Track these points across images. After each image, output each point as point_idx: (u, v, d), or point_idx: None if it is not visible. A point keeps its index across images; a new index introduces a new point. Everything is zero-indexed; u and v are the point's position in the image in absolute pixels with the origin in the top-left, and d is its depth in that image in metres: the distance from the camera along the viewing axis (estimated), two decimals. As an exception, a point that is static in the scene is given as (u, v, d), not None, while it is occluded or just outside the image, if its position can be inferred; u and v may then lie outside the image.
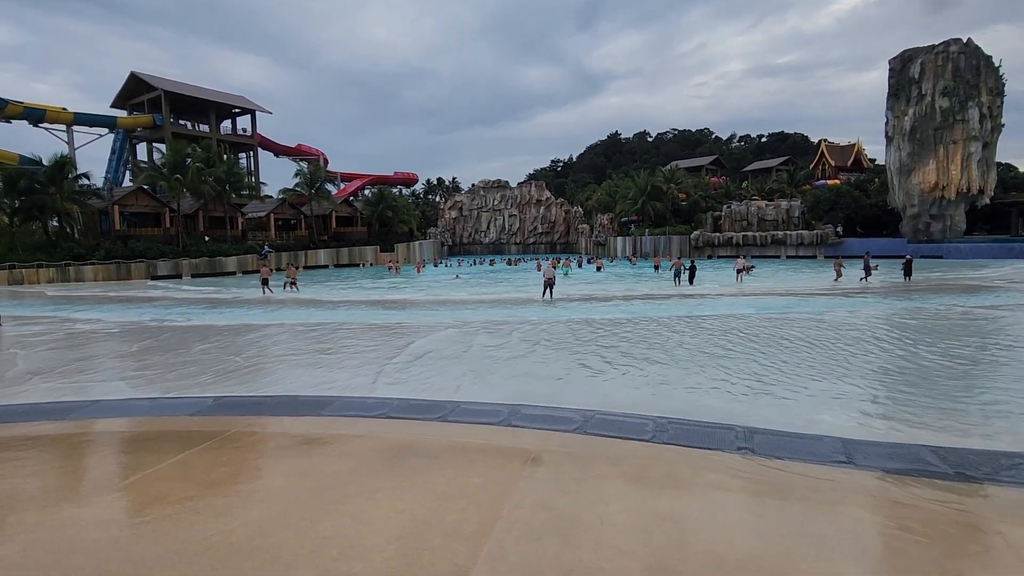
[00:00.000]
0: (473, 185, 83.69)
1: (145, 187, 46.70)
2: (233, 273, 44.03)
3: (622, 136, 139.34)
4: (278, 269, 37.79)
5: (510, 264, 53.87)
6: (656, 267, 35.96)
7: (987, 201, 46.24)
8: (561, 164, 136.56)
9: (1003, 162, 52.88)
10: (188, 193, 46.67)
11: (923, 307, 16.46)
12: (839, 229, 51.39)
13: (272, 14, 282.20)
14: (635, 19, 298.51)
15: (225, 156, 53.41)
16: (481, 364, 9.41)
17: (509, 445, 5.03)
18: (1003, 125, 45.12)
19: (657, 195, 60.33)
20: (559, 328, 13.25)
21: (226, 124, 69.97)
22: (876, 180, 57.32)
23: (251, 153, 70.00)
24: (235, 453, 4.86)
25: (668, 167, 74.79)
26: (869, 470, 4.36)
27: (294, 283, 27.34)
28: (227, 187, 48.30)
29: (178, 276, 41.64)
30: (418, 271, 46.54)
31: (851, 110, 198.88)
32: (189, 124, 66.02)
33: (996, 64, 44.43)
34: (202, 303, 23.06)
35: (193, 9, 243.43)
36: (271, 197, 60.97)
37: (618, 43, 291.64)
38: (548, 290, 20.80)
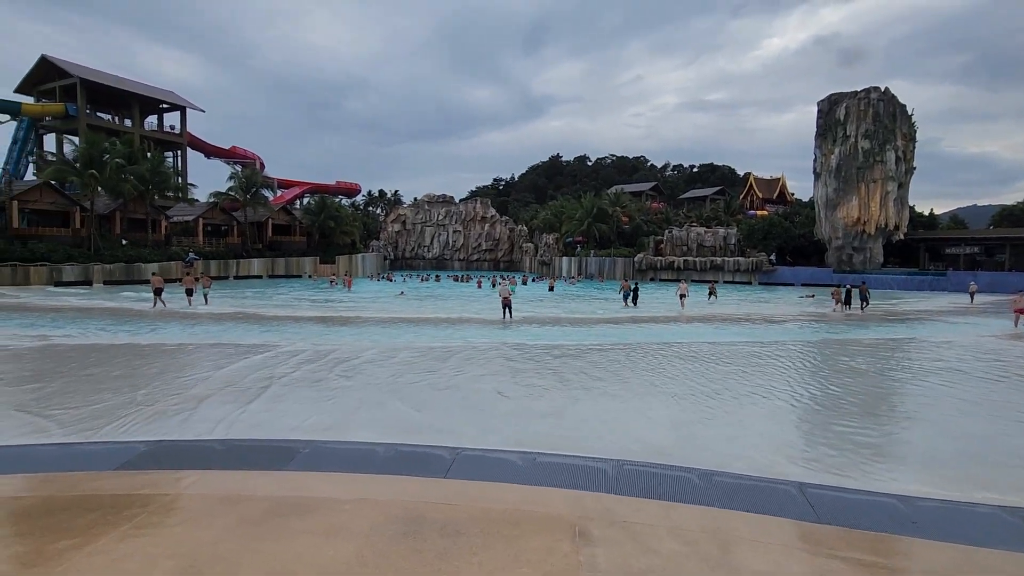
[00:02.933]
0: (416, 199, 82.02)
1: (52, 182, 41.90)
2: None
3: (563, 159, 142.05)
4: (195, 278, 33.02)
5: (457, 280, 52.69)
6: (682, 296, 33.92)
7: (901, 237, 50.16)
8: (503, 183, 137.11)
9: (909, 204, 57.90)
10: (104, 191, 42.38)
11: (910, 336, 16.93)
12: (772, 257, 54.02)
13: (203, 8, 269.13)
14: (577, 48, 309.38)
15: (150, 153, 49.12)
16: (467, 398, 8.37)
17: (541, 511, 4.10)
18: (915, 168, 49.32)
19: (603, 217, 61.28)
20: (537, 354, 12.40)
21: (151, 120, 64.79)
22: (800, 213, 61.03)
23: (179, 152, 65.12)
24: (183, 533, 3.63)
25: (613, 190, 76.50)
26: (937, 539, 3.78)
27: (191, 293, 24.57)
28: (150, 187, 44.32)
29: (88, 283, 37.38)
30: (348, 287, 39.45)
31: (770, 147, 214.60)
32: (109, 117, 60.58)
33: (909, 112, 48.66)
34: (118, 316, 20.46)
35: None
36: (199, 201, 56.73)
37: (561, 69, 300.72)
38: (507, 310, 19.98)
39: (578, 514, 4.02)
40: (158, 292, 23.35)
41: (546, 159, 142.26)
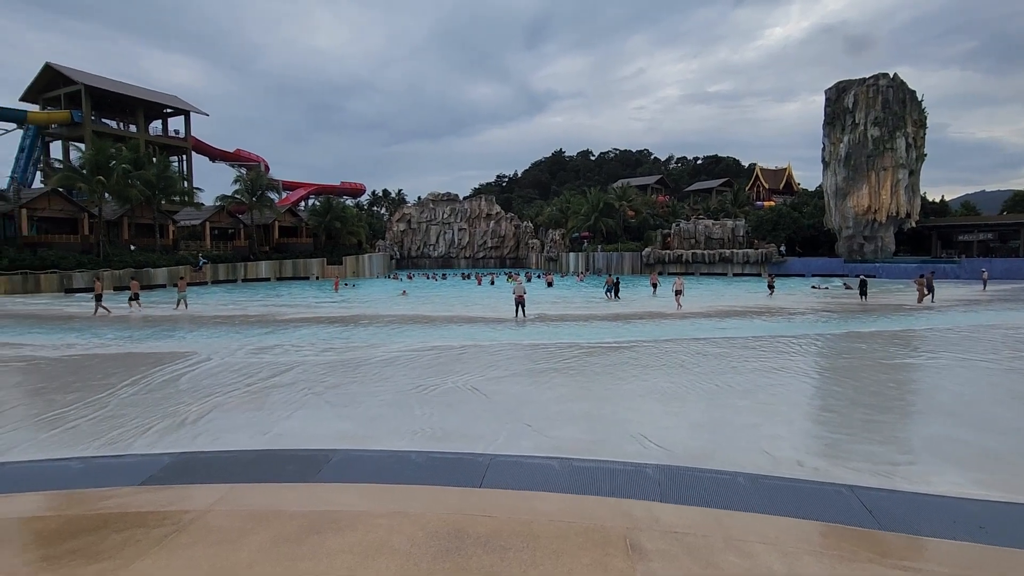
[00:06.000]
0: (421, 198, 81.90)
1: (60, 189, 42.02)
2: (163, 286, 40.21)
3: (566, 154, 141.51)
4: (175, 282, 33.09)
5: (464, 278, 52.56)
6: (654, 285, 32.86)
7: (912, 225, 49.53)
8: (506, 179, 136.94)
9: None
10: (111, 197, 42.42)
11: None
12: (782, 248, 53.51)
13: (205, 12, 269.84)
14: (579, 42, 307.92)
15: (155, 158, 49.13)
16: (493, 400, 8.17)
17: (587, 523, 3.90)
18: (926, 155, 48.65)
19: (609, 212, 60.89)
20: (555, 353, 12.21)
21: (156, 125, 64.94)
22: (808, 203, 60.36)
23: (184, 157, 65.15)
24: (217, 555, 3.46)
25: (619, 184, 76.05)
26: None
27: (99, 299, 22.58)
28: (157, 192, 44.33)
29: (97, 289, 37.43)
30: (336, 288, 38.69)
31: (775, 137, 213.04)
32: (114, 123, 60.66)
33: (919, 98, 47.94)
34: (135, 324, 20.42)
35: (116, 1, 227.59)
36: (206, 205, 56.74)
37: (562, 64, 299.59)
38: (520, 309, 19.77)
39: (627, 524, 3.82)
40: (98, 298, 22.39)
41: (549, 154, 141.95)
